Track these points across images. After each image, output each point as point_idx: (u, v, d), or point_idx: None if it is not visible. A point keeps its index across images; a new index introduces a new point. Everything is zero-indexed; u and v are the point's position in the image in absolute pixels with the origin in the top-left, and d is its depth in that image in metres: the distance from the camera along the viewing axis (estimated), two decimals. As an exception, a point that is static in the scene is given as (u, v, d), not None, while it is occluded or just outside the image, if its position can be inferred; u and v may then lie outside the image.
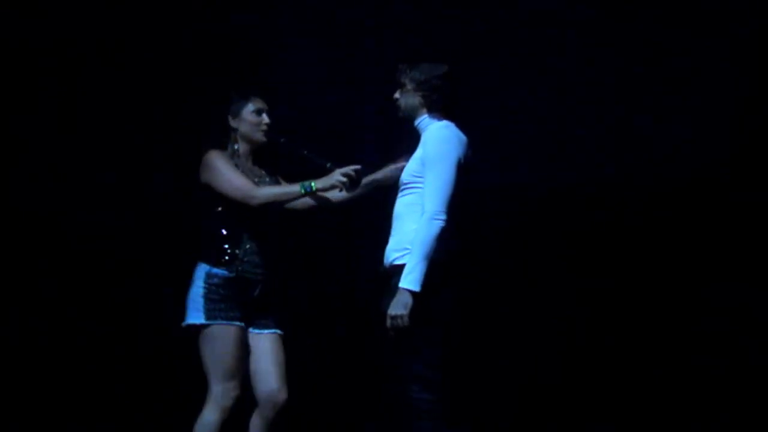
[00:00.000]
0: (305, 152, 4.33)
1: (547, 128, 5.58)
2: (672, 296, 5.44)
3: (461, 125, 4.06)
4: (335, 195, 4.31)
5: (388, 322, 3.82)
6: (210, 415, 4.17)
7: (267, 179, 4.40)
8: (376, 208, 4.29)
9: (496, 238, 5.49)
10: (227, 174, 4.25)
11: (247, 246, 4.27)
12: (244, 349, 4.25)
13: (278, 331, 4.35)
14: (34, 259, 5.48)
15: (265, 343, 4.30)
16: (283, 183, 4.45)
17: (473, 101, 5.31)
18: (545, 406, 5.53)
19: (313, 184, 4.17)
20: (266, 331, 4.33)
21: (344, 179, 4.14)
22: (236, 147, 4.38)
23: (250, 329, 4.30)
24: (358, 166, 4.17)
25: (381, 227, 4.13)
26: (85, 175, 5.52)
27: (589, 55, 5.49)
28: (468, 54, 5.48)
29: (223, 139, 4.39)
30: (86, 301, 5.49)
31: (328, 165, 4.24)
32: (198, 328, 4.21)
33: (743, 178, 5.36)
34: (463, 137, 4.01)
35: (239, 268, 4.24)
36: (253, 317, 4.30)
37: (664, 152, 5.52)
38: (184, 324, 4.25)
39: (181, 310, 4.28)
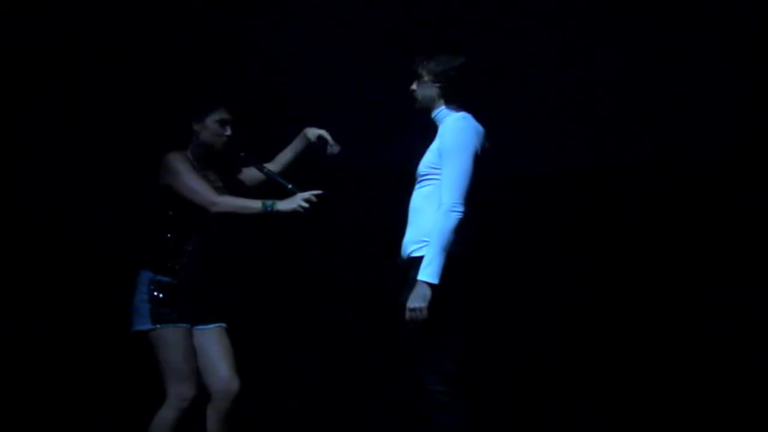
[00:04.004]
0: (265, 170, 4.36)
1: (546, 129, 5.58)
2: (672, 296, 5.45)
3: (477, 116, 4.03)
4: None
5: (408, 314, 3.79)
6: (166, 414, 4.22)
7: (220, 184, 4.39)
8: (392, 200, 4.25)
9: (509, 229, 5.50)
10: (187, 177, 4.26)
11: (191, 252, 4.29)
12: (192, 351, 4.27)
13: (222, 324, 4.37)
14: (34, 259, 5.47)
15: (210, 337, 4.33)
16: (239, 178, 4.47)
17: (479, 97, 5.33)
18: (541, 384, 5.54)
19: (275, 205, 4.13)
20: (211, 325, 4.35)
21: (306, 204, 4.10)
22: (196, 150, 4.38)
23: (195, 327, 4.32)
24: (319, 191, 4.14)
25: (397, 220, 4.08)
26: (85, 175, 5.51)
27: (589, 54, 5.49)
28: (471, 52, 5.48)
29: (184, 139, 4.38)
30: (86, 301, 5.48)
31: (289, 186, 4.23)
32: (146, 334, 4.25)
33: (743, 178, 5.36)
34: (480, 128, 3.98)
35: (182, 274, 4.27)
36: (196, 315, 4.32)
37: (664, 152, 5.52)
38: (132, 330, 4.28)
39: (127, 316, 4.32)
